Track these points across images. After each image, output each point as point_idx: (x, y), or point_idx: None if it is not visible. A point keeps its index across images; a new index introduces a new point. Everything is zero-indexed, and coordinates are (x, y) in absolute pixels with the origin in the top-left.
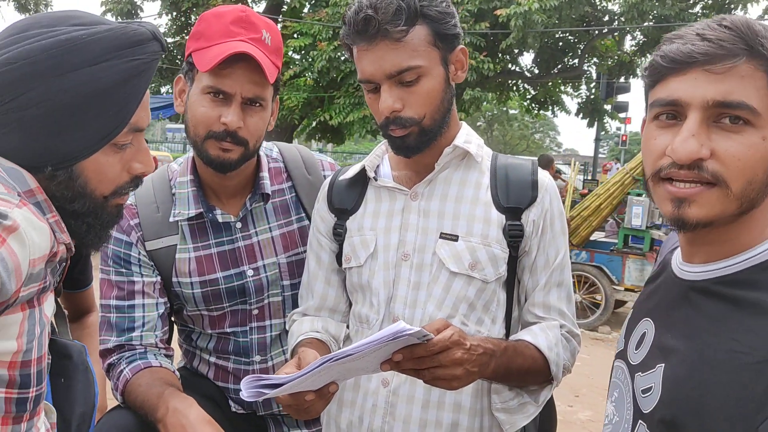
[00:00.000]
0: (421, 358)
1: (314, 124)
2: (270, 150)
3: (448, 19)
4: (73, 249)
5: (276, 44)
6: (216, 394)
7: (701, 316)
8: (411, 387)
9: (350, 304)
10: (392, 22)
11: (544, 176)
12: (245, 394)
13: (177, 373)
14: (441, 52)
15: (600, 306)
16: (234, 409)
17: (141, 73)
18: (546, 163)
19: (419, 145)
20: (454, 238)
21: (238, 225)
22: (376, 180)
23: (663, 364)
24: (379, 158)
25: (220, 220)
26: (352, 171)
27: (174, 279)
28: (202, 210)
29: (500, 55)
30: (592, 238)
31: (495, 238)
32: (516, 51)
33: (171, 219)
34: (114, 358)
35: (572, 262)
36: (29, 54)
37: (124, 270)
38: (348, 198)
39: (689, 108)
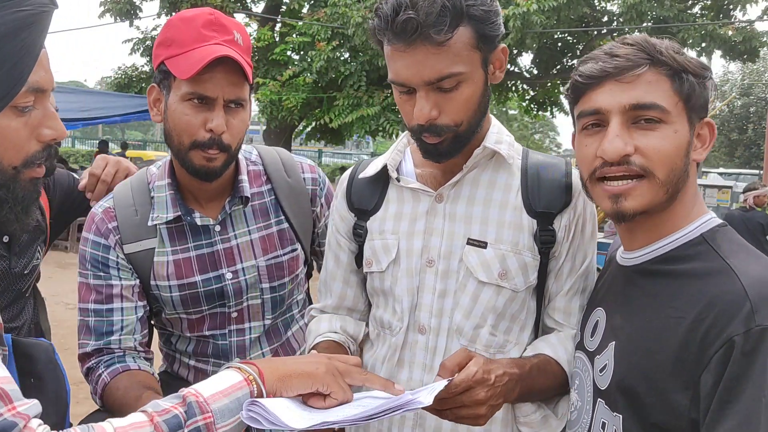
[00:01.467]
0: (443, 399)
1: (313, 124)
2: (249, 153)
3: (493, 19)
4: None
5: (246, 44)
6: None
7: (643, 294)
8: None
9: (369, 304)
10: (436, 26)
11: (578, 178)
12: (244, 416)
13: (156, 376)
14: (483, 54)
15: None
16: None
17: (30, 26)
18: None
19: (452, 152)
20: (483, 244)
21: (217, 228)
22: (398, 180)
23: (613, 342)
24: (401, 154)
25: (199, 224)
26: (372, 168)
27: (152, 282)
28: (180, 213)
29: None
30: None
31: (526, 245)
32: (515, 51)
33: (150, 223)
34: (92, 362)
35: None
36: None
37: (102, 273)
38: (368, 197)
39: (610, 114)
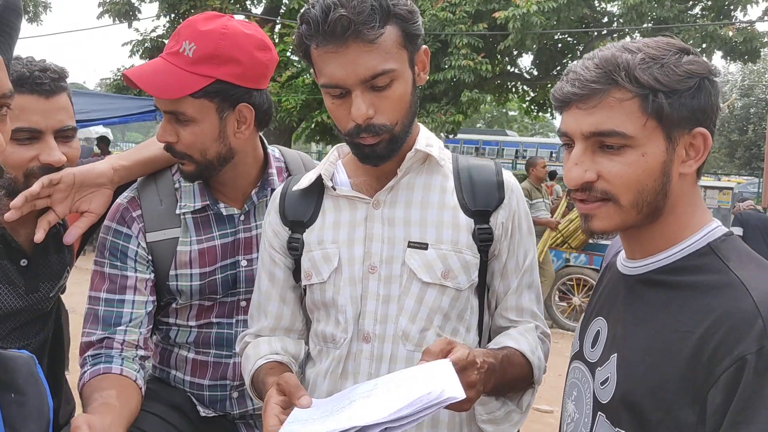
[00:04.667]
0: None
1: (313, 125)
2: (272, 151)
3: (415, 19)
4: None
5: (206, 53)
6: (184, 402)
7: (646, 305)
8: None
9: (308, 323)
10: (367, 23)
11: (509, 177)
12: None
13: (140, 380)
14: (409, 53)
15: None
16: (204, 414)
17: None
18: (530, 164)
19: (389, 153)
20: (424, 246)
21: (242, 217)
22: (334, 189)
23: (615, 354)
24: (333, 165)
25: (224, 213)
26: (306, 180)
27: (172, 272)
28: (207, 203)
29: (498, 56)
30: (591, 241)
31: (465, 243)
32: (515, 52)
33: (177, 211)
34: (90, 353)
35: (571, 266)
36: None
37: (119, 263)
38: (303, 209)
39: (574, 138)
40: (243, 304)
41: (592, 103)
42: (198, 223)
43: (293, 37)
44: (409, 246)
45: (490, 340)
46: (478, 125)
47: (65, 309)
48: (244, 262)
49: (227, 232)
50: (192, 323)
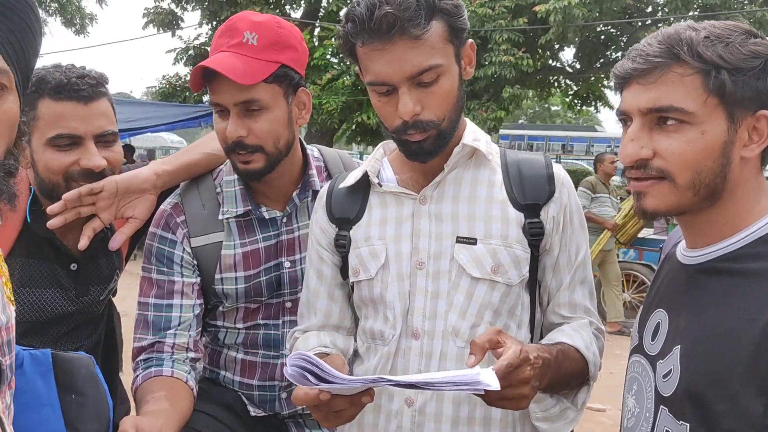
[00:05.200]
0: None
1: (353, 126)
2: (311, 150)
3: (461, 13)
4: None
5: (269, 39)
6: (235, 401)
7: (708, 294)
8: (438, 404)
9: (356, 320)
10: (413, 20)
11: (559, 170)
12: (289, 371)
13: (191, 381)
14: (455, 47)
15: None
16: (254, 414)
17: None
18: (598, 160)
19: (436, 149)
20: (473, 241)
21: (284, 220)
22: (380, 185)
23: (678, 346)
24: (379, 162)
25: (267, 217)
26: (352, 177)
27: (217, 276)
28: (250, 207)
29: (540, 51)
30: (640, 236)
31: (515, 238)
32: (556, 46)
33: (220, 217)
34: (142, 357)
35: (620, 261)
36: None
37: (165, 269)
38: (350, 206)
39: (631, 115)
40: (288, 305)
41: (651, 78)
42: (241, 227)
43: (335, 39)
44: (457, 241)
45: (542, 336)
46: (520, 121)
47: (117, 312)
48: (287, 264)
49: (270, 235)
50: (240, 325)
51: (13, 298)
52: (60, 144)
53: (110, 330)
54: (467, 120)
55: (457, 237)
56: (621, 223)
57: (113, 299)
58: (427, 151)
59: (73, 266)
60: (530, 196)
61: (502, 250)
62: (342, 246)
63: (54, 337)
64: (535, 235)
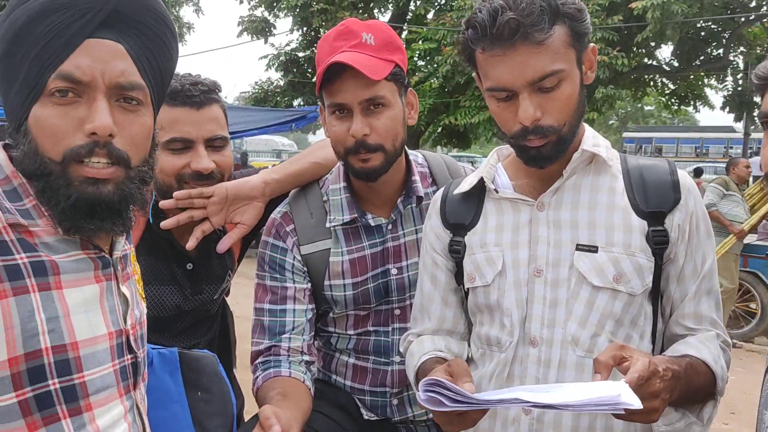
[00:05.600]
0: None
1: (440, 129)
2: (415, 156)
3: (584, 17)
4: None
5: (383, 40)
6: (349, 403)
7: None
8: (557, 413)
9: (470, 325)
10: (536, 25)
11: (684, 176)
12: (422, 396)
13: (308, 381)
14: (577, 52)
15: (756, 315)
16: (367, 417)
17: (60, 9)
18: (731, 163)
19: (556, 154)
20: (594, 249)
21: (389, 227)
22: (496, 191)
23: None
24: (494, 168)
25: (372, 224)
26: (467, 183)
27: (326, 282)
28: (356, 215)
29: (635, 49)
30: (745, 242)
31: (639, 246)
32: (652, 44)
33: (327, 225)
34: (259, 360)
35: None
36: None
37: (278, 275)
38: (464, 212)
39: None
40: (397, 312)
41: None
42: (348, 234)
43: (420, 42)
44: (577, 249)
45: (663, 348)
46: (611, 122)
47: (230, 311)
48: (394, 271)
49: (376, 242)
50: (350, 332)
51: (144, 295)
52: (173, 147)
53: (224, 328)
54: (586, 125)
55: (577, 244)
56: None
57: (226, 299)
58: (546, 157)
59: (189, 266)
60: (654, 204)
61: (624, 259)
62: (456, 252)
63: (173, 334)
64: (659, 243)
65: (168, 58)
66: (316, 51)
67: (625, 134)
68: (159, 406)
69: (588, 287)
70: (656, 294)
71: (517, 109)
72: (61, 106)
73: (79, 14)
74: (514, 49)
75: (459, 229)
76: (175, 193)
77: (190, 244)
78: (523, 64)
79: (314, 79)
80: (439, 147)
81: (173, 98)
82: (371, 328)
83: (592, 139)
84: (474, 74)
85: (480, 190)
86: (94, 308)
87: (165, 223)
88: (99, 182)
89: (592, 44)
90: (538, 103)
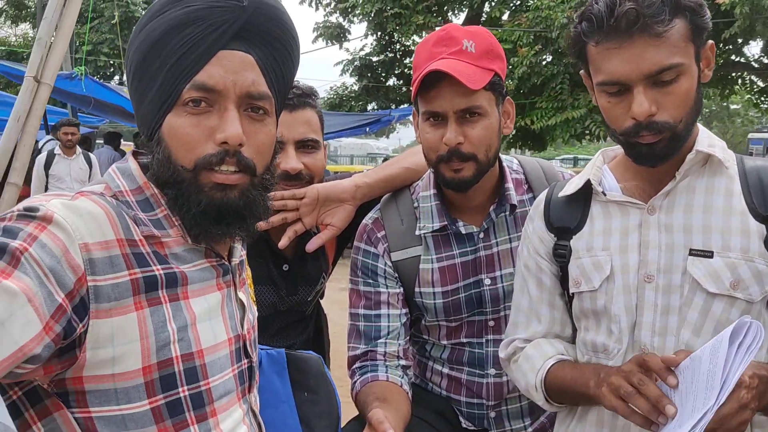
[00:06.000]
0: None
1: (514, 131)
2: (510, 162)
3: (704, 12)
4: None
5: (484, 48)
6: (446, 409)
7: None
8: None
9: (574, 330)
10: (656, 16)
11: None
12: None
13: (405, 385)
14: (695, 48)
15: None
16: (465, 426)
17: (195, 21)
18: None
19: (669, 153)
20: (709, 254)
21: (481, 235)
22: (603, 194)
23: None
24: (600, 170)
25: (463, 232)
26: (572, 186)
27: (417, 289)
28: (446, 223)
29: (722, 46)
30: None
31: (757, 251)
32: (740, 40)
33: (417, 232)
34: (357, 365)
35: None
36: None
37: (371, 281)
38: (570, 215)
39: None
40: (491, 323)
41: None
42: (438, 242)
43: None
44: (690, 254)
45: None
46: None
47: (324, 313)
48: (487, 281)
49: (467, 251)
50: (444, 342)
51: (255, 299)
52: None
53: (318, 329)
54: (700, 125)
55: (691, 249)
56: None
57: (320, 302)
58: (659, 155)
59: (285, 267)
60: None
61: (742, 264)
62: (561, 256)
63: (269, 334)
64: None
65: (291, 68)
66: (389, 55)
67: (751, 135)
68: (268, 405)
69: (703, 294)
70: None
71: (630, 104)
72: (194, 116)
73: (213, 27)
74: (632, 41)
75: (564, 233)
76: (270, 194)
77: (282, 242)
78: (640, 57)
79: (388, 83)
80: (513, 149)
81: None
82: (464, 340)
83: (707, 140)
84: (581, 72)
85: (586, 192)
86: (216, 316)
87: (258, 224)
88: (227, 188)
89: (710, 41)
90: (654, 97)
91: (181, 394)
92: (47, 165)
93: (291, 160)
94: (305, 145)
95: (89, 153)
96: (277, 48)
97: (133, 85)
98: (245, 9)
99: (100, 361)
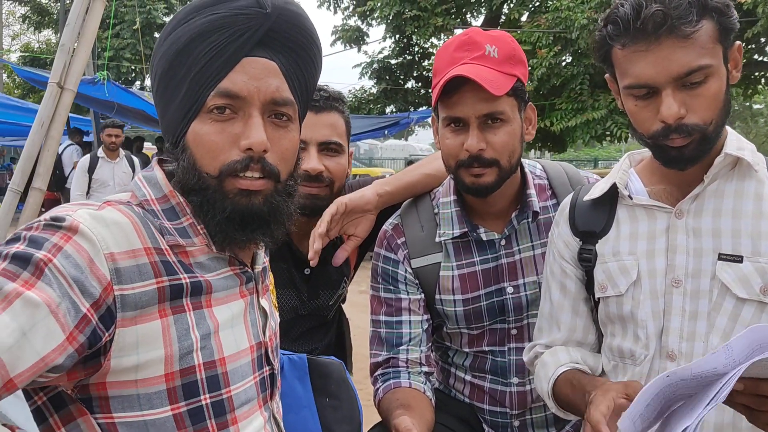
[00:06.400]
0: (762, 398)
1: (534, 132)
2: (533, 167)
3: (732, 13)
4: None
5: (507, 53)
6: (470, 416)
7: None
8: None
9: (599, 336)
10: (684, 18)
11: None
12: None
13: (428, 392)
14: (723, 49)
15: None
16: None
17: (220, 29)
18: None
19: (699, 155)
20: (738, 259)
21: (503, 242)
22: (630, 198)
23: None
24: (626, 174)
25: (484, 239)
26: (597, 189)
27: (437, 296)
28: (467, 229)
29: (744, 45)
30: None
31: None
32: (763, 40)
33: (437, 239)
34: (379, 372)
35: None
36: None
37: (392, 287)
38: (595, 219)
39: None
40: (514, 332)
41: None
42: (459, 248)
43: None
44: (719, 258)
45: None
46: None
47: (346, 318)
48: (510, 289)
49: (488, 258)
50: (466, 349)
51: (277, 305)
52: None
53: (340, 334)
54: (729, 128)
55: (720, 254)
56: None
57: (342, 307)
58: (688, 158)
59: (307, 271)
60: None
61: None
62: (587, 260)
63: (291, 338)
64: None
65: (314, 74)
66: (407, 57)
67: None
68: (289, 410)
69: (732, 299)
70: None
71: (658, 107)
72: (218, 123)
73: (238, 34)
74: (659, 43)
75: (589, 237)
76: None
77: (314, 259)
78: (668, 59)
79: (406, 86)
80: (532, 150)
81: None
82: (486, 348)
83: (735, 142)
84: (606, 75)
85: (612, 196)
86: (239, 323)
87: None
88: (251, 194)
89: (738, 42)
90: (682, 100)
91: (203, 402)
92: (91, 169)
93: (312, 161)
94: (328, 148)
95: (132, 155)
96: (300, 54)
97: (158, 93)
98: (269, 16)
99: (125, 368)
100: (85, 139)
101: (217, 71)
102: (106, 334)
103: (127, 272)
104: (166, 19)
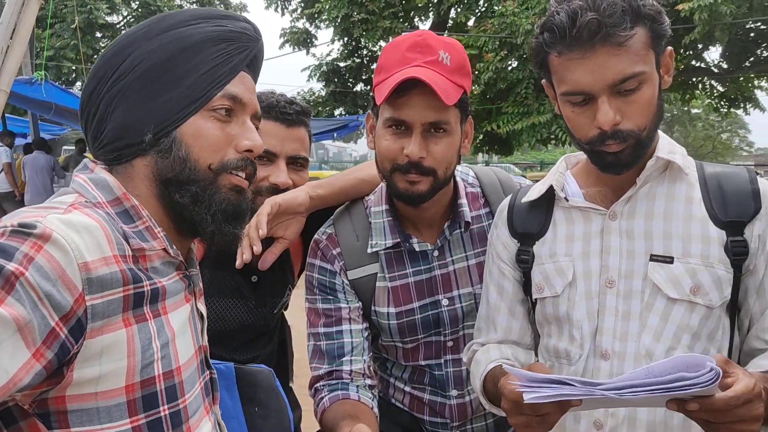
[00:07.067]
0: (719, 413)
1: (481, 136)
2: (466, 174)
3: (663, 19)
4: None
5: (458, 62)
6: (412, 424)
7: None
8: (629, 429)
9: (535, 336)
10: (618, 25)
11: (765, 184)
12: (528, 398)
13: (375, 408)
14: (656, 55)
15: None
16: None
17: (228, 40)
18: None
19: (633, 160)
20: (669, 260)
21: (435, 253)
22: (566, 200)
23: None
24: (563, 176)
25: (417, 249)
26: (535, 191)
27: (373, 308)
28: (399, 240)
29: (682, 51)
30: None
31: (717, 257)
32: (700, 46)
33: (369, 250)
34: (321, 383)
35: None
36: (127, 32)
37: (330, 297)
38: (532, 221)
39: None
40: (450, 344)
41: None
42: (391, 260)
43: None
44: (651, 259)
45: (740, 363)
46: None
47: (288, 324)
48: (445, 302)
49: (421, 269)
50: (402, 362)
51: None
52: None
53: (282, 341)
54: (660, 132)
55: (651, 255)
56: None
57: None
58: (624, 163)
59: (254, 278)
60: (733, 213)
61: (702, 270)
62: (524, 261)
63: (234, 347)
64: (738, 254)
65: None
66: (356, 60)
67: None
68: None
69: (663, 299)
70: (734, 307)
71: (595, 114)
72: (220, 122)
73: (241, 48)
74: (594, 50)
75: (527, 239)
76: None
77: (248, 257)
78: (603, 67)
79: (355, 89)
80: (480, 154)
81: (267, 111)
82: (423, 363)
83: (667, 146)
84: (543, 81)
85: (549, 198)
86: (186, 329)
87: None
88: (242, 191)
89: (669, 47)
90: (618, 106)
91: (162, 414)
92: None
93: (282, 175)
94: (296, 162)
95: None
96: (257, 76)
97: (135, 85)
98: (258, 42)
99: (86, 380)
100: (24, 141)
101: (225, 75)
102: (75, 347)
103: (99, 281)
104: (109, 19)
